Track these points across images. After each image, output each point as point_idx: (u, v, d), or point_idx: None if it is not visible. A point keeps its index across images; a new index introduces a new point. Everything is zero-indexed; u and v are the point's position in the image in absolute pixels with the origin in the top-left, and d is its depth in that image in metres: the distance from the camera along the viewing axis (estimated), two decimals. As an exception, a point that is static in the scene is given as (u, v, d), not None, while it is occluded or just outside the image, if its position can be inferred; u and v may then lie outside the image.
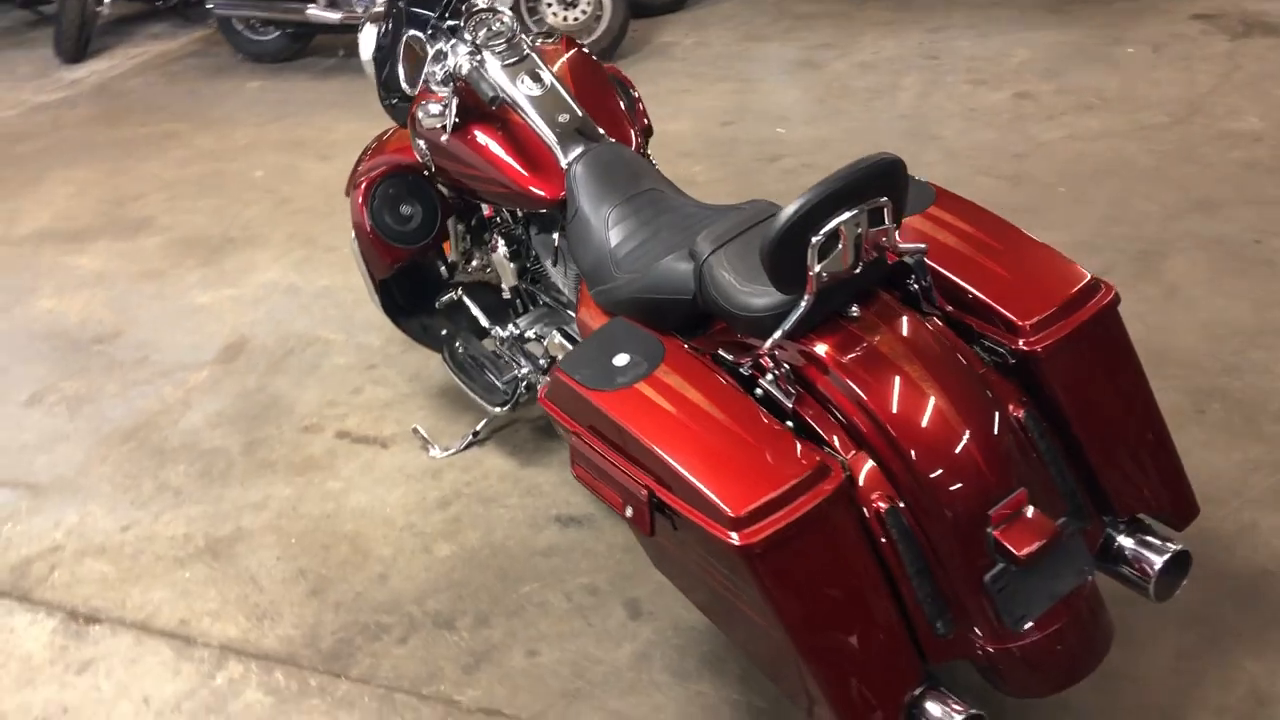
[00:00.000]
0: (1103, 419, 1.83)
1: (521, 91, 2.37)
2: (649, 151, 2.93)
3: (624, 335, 1.91)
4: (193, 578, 2.52)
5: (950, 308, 1.87)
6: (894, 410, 1.69)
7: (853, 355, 1.73)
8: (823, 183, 1.65)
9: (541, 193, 2.33)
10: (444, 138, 2.42)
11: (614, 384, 1.80)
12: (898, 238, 1.73)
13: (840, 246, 1.66)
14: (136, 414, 3.13)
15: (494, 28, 2.42)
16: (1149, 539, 1.83)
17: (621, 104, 2.57)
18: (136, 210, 4.44)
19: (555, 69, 2.46)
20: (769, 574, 1.59)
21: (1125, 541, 1.84)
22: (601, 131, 2.39)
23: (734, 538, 1.56)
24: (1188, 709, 1.98)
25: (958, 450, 1.66)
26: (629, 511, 1.76)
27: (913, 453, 1.67)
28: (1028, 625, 1.68)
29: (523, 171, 2.36)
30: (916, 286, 1.85)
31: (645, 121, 2.90)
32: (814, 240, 1.63)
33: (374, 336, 3.32)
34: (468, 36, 2.41)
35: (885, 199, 1.67)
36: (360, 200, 2.67)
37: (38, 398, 3.27)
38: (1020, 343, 1.77)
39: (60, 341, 3.56)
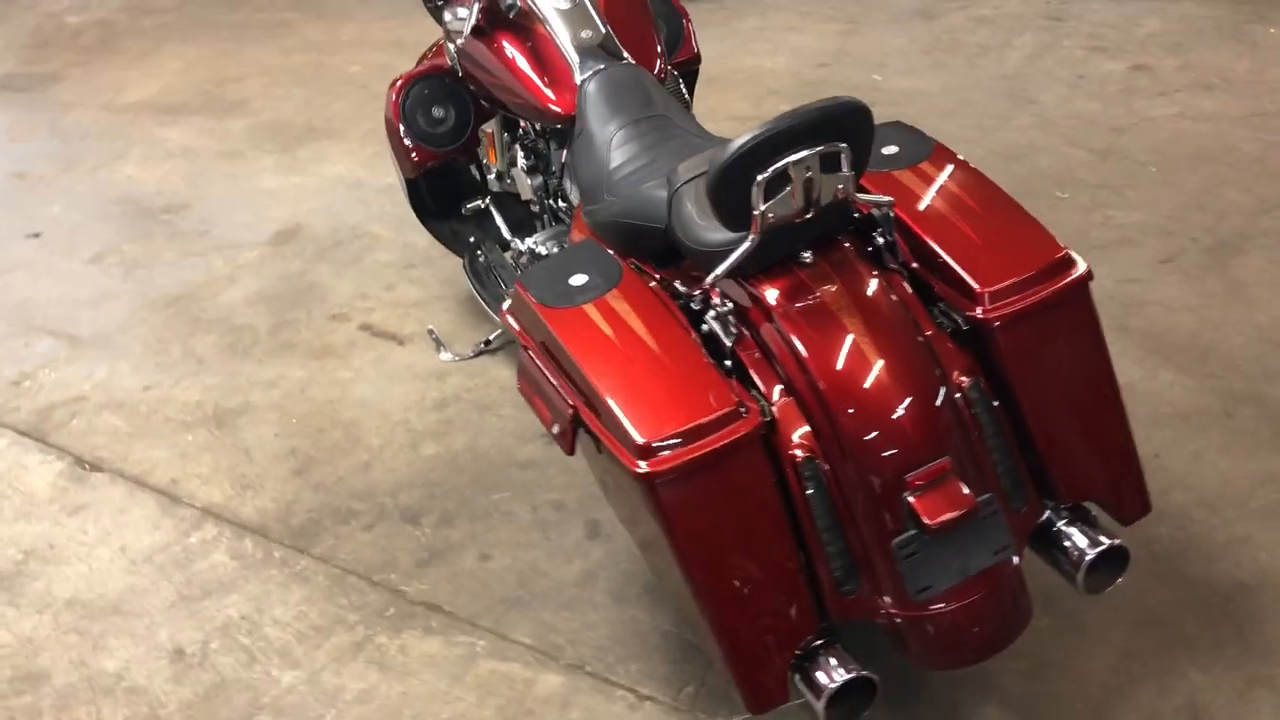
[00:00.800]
0: (1055, 401, 1.75)
1: (549, 3, 2.36)
2: (688, 79, 2.91)
3: (587, 256, 1.91)
4: (193, 442, 2.65)
5: (916, 265, 1.81)
6: (824, 362, 1.65)
7: (795, 302, 1.70)
8: (773, 120, 1.60)
9: (556, 108, 2.33)
10: (460, 41, 2.43)
11: (564, 303, 1.81)
12: (855, 186, 1.68)
13: (789, 189, 1.62)
14: (183, 283, 3.27)
15: None
16: (1088, 529, 1.76)
17: (658, 29, 2.54)
18: (233, 92, 4.58)
19: None
20: (669, 506, 1.59)
21: (1063, 528, 1.77)
22: (625, 53, 2.36)
23: (641, 466, 1.57)
24: (1117, 708, 1.91)
25: (881, 409, 1.62)
26: (555, 428, 1.78)
27: (836, 406, 1.63)
28: (932, 596, 1.65)
29: (538, 83, 2.36)
30: (881, 240, 1.80)
31: (694, 50, 2.86)
32: (759, 179, 1.60)
33: (420, 237, 3.35)
34: None
35: (843, 145, 1.62)
36: (394, 98, 2.70)
37: (99, 257, 3.44)
38: (977, 310, 1.71)
39: (133, 207, 3.73)
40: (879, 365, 1.64)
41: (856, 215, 1.78)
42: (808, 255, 1.73)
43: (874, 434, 1.62)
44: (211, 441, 2.64)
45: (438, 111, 2.71)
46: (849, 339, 1.66)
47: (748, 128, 1.60)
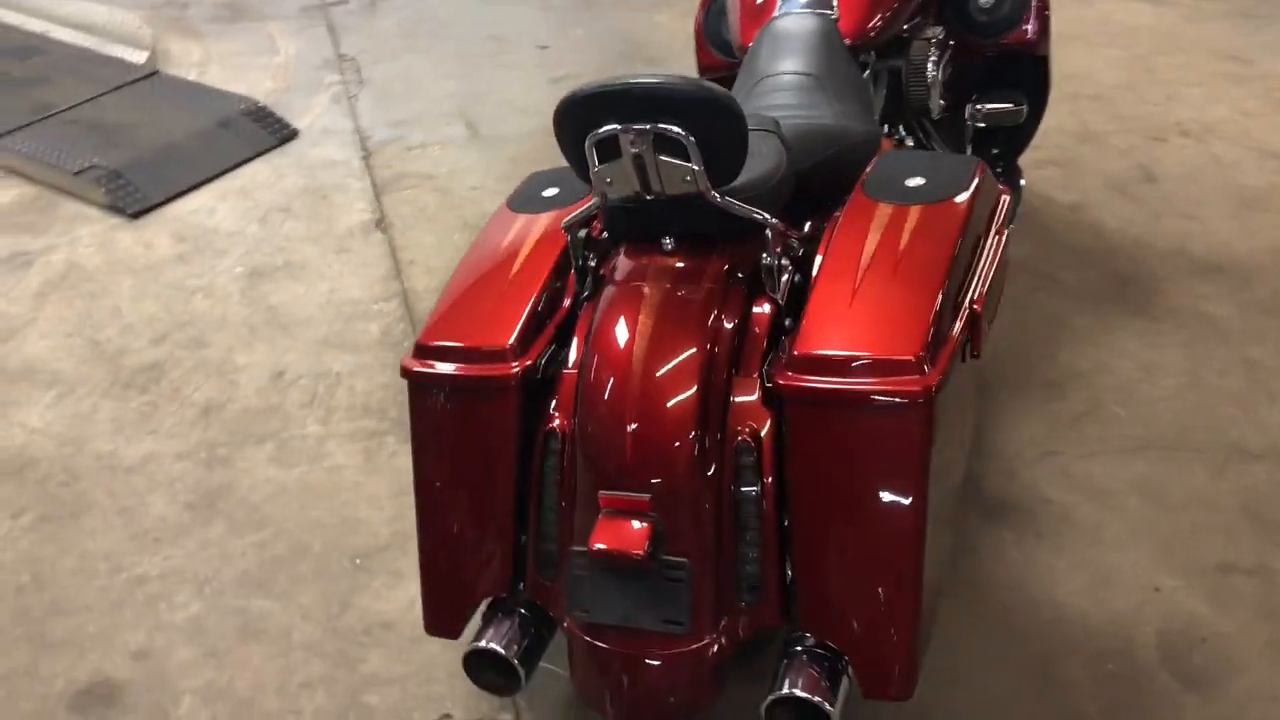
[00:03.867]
0: (831, 517, 1.43)
1: (792, -64, 2.23)
2: (1026, 66, 2.57)
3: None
4: (455, 241, 3.05)
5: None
6: (596, 348, 1.53)
7: (623, 280, 1.58)
8: (605, 81, 1.48)
9: (739, 39, 2.24)
10: None
11: (517, 207, 1.85)
12: (709, 182, 1.48)
13: (622, 161, 1.50)
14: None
15: None
16: (815, 672, 1.45)
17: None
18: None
19: None
20: (416, 408, 1.63)
21: (792, 653, 1.48)
22: (833, 6, 2.16)
23: (410, 361, 1.64)
24: None
25: (613, 416, 1.47)
26: None
27: (583, 394, 1.53)
28: (586, 623, 1.51)
29: (745, 10, 2.27)
30: (765, 260, 1.57)
31: (1028, 36, 2.50)
32: (589, 139, 1.50)
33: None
34: None
35: (681, 131, 1.44)
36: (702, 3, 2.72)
37: (562, 80, 3.91)
38: (784, 372, 1.45)
39: (634, 49, 4.13)
40: (635, 374, 1.48)
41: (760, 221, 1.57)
42: (668, 242, 1.59)
43: (596, 437, 1.49)
44: (465, 244, 3.01)
45: (738, 26, 2.68)
46: (632, 338, 1.52)
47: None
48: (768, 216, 1.52)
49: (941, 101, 2.37)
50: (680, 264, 1.57)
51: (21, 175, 3.34)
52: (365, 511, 2.21)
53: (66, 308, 2.80)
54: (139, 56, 3.89)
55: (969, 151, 2.61)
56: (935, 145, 2.48)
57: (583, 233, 1.65)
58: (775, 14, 2.17)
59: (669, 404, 1.46)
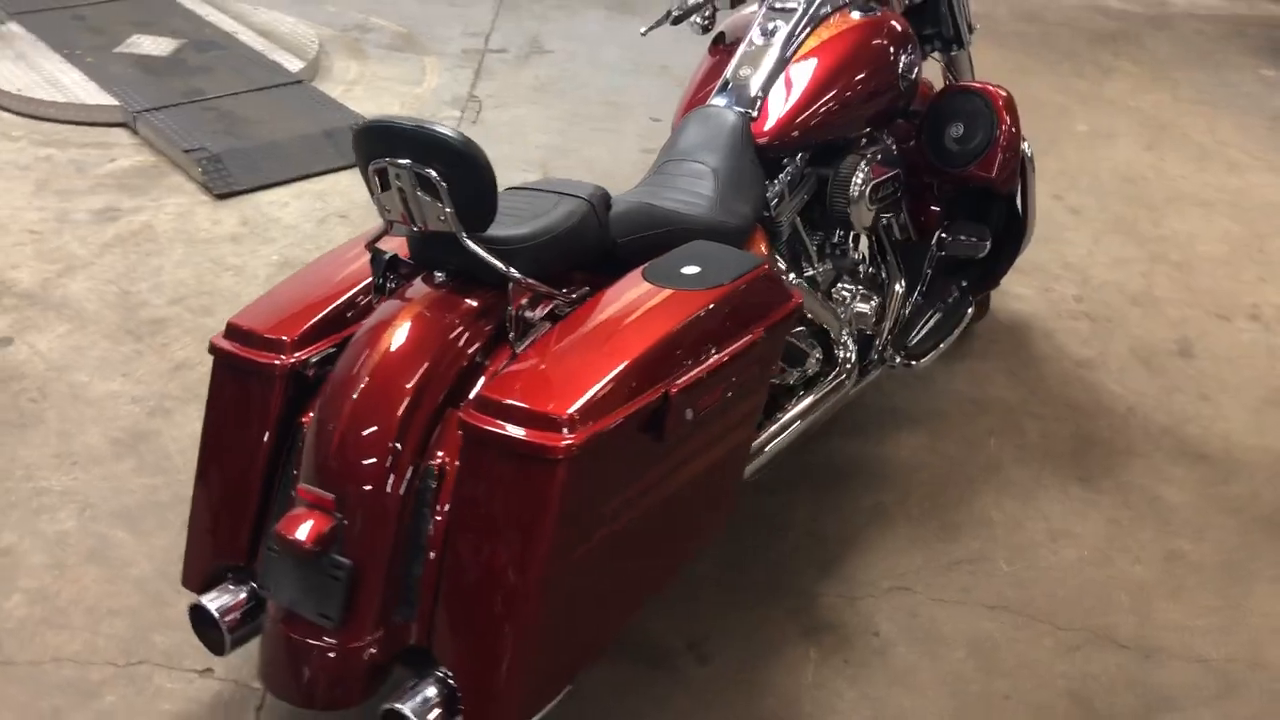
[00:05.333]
0: (469, 550, 1.52)
1: (750, 35, 2.33)
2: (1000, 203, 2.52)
3: None
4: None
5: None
6: (346, 353, 1.68)
7: (394, 299, 1.73)
8: (383, 118, 1.64)
9: (674, 121, 2.36)
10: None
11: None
12: (460, 224, 1.60)
13: (392, 191, 1.65)
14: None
15: None
16: (429, 692, 1.53)
17: (860, 105, 2.30)
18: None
19: (814, 37, 2.31)
20: (211, 379, 1.82)
21: (429, 671, 1.56)
22: (757, 107, 2.23)
23: (220, 339, 1.83)
24: None
25: (328, 417, 1.61)
26: None
27: (322, 392, 1.67)
28: (268, 599, 1.65)
29: (690, 96, 2.38)
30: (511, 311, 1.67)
31: (991, 174, 2.47)
32: (370, 168, 1.65)
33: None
34: None
35: (435, 175, 1.58)
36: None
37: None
38: (466, 408, 1.55)
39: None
40: (356, 386, 1.62)
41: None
42: (440, 275, 1.73)
43: (314, 434, 1.64)
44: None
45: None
46: (368, 352, 1.65)
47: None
48: (511, 270, 1.63)
49: (878, 215, 2.38)
50: (441, 296, 1.70)
51: (151, 146, 3.81)
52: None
53: (121, 260, 3.18)
54: (296, 65, 4.34)
55: (927, 275, 2.61)
56: (885, 259, 2.49)
57: (389, 254, 1.81)
58: (711, 104, 2.27)
59: (371, 418, 1.59)
